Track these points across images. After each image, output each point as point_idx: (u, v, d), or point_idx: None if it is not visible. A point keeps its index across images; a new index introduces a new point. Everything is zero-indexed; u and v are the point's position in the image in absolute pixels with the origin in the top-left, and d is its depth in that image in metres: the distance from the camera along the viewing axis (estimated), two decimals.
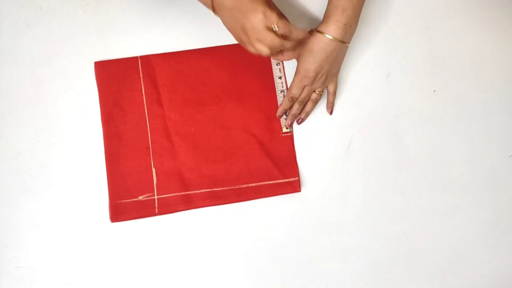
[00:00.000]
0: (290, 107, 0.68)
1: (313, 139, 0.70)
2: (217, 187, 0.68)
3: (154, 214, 0.67)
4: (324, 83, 0.66)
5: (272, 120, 0.70)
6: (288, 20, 0.59)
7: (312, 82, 0.64)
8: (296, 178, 0.68)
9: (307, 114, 0.69)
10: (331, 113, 0.69)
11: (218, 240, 0.68)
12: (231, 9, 0.56)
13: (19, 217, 0.67)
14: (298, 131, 0.70)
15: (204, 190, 0.67)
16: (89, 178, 0.68)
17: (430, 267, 0.68)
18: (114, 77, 0.69)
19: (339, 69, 0.66)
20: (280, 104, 0.69)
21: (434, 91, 0.72)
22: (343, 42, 0.61)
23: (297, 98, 0.67)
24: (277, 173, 0.68)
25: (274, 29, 0.55)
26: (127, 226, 0.67)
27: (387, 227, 0.68)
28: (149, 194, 0.67)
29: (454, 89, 0.72)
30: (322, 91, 0.67)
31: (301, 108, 0.68)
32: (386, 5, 0.73)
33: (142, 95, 0.69)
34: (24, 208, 0.67)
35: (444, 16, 0.73)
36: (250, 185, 0.68)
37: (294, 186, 0.68)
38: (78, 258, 0.67)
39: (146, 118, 0.68)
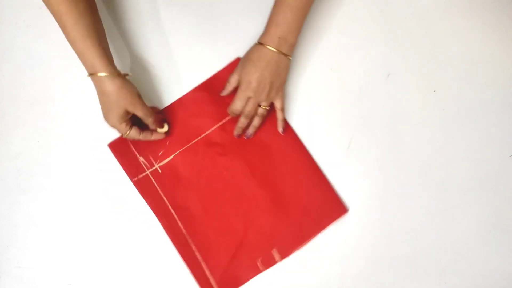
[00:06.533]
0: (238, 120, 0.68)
1: (313, 139, 0.70)
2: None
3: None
4: (269, 97, 0.65)
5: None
6: (138, 131, 0.64)
7: (255, 94, 0.64)
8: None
9: (255, 128, 0.68)
10: (282, 132, 0.69)
11: None
12: (97, 92, 0.62)
13: (19, 217, 0.67)
14: (299, 131, 0.70)
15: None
16: (88, 177, 0.68)
17: (430, 267, 0.68)
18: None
19: (283, 84, 0.65)
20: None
21: (434, 91, 0.72)
22: (282, 53, 0.62)
23: (240, 111, 0.66)
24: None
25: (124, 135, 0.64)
26: (126, 225, 0.67)
27: (387, 227, 0.68)
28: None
29: (454, 89, 0.72)
30: (268, 106, 0.66)
31: (247, 123, 0.67)
32: (386, 5, 0.73)
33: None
34: (24, 208, 0.67)
35: (444, 16, 0.73)
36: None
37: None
38: (78, 258, 0.67)
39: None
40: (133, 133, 0.64)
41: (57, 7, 0.58)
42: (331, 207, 0.67)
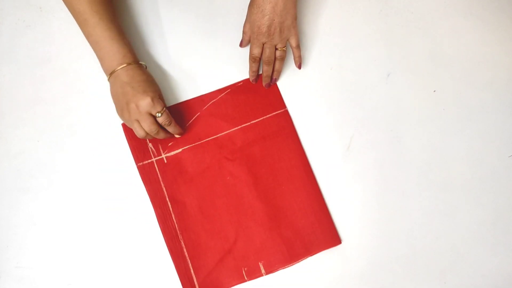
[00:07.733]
0: (263, 70, 0.69)
1: (313, 139, 0.70)
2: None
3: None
4: (282, 37, 0.64)
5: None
6: (170, 115, 0.64)
7: (268, 38, 0.64)
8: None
9: (279, 73, 0.69)
10: (299, 67, 0.69)
11: None
12: (124, 83, 0.61)
13: (19, 217, 0.67)
14: (299, 131, 0.70)
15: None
16: (88, 177, 0.68)
17: (430, 267, 0.68)
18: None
19: (293, 20, 0.64)
20: (249, 68, 0.69)
21: (434, 91, 0.72)
22: None
23: (260, 58, 0.67)
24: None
25: (156, 116, 0.62)
26: (125, 225, 0.67)
27: (387, 227, 0.68)
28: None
29: (454, 89, 0.72)
30: (284, 47, 0.66)
31: (271, 69, 0.68)
32: (386, 5, 0.73)
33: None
34: (24, 208, 0.67)
35: (444, 16, 0.73)
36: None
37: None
38: (78, 258, 0.67)
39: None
40: (164, 117, 0.62)
41: (79, 7, 0.61)
42: (325, 236, 0.67)
